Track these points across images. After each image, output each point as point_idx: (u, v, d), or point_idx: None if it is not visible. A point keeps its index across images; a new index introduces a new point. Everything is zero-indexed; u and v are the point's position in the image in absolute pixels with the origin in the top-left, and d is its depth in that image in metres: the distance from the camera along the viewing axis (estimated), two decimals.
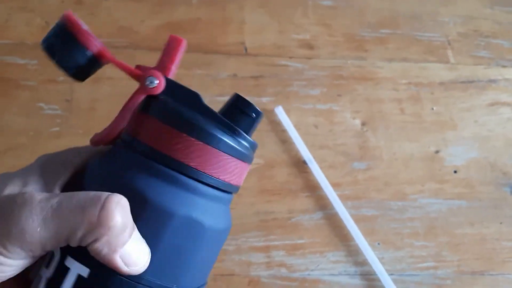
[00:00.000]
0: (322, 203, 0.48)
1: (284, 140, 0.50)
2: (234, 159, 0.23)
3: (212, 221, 0.23)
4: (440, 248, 0.47)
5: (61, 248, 0.22)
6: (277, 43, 0.56)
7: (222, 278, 0.43)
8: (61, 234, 0.20)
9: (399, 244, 0.46)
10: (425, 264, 0.46)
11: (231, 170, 0.23)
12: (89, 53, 0.23)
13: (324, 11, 0.58)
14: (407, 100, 0.54)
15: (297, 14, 0.58)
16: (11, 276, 0.22)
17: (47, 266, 0.22)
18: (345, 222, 0.46)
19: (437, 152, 0.52)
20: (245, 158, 0.24)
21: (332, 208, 0.47)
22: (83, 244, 0.21)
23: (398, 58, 0.56)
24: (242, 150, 0.23)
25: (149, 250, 0.22)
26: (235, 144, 0.23)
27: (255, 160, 0.49)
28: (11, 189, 0.22)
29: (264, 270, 0.44)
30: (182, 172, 0.22)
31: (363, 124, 0.52)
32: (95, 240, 0.20)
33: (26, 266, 0.22)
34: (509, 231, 0.48)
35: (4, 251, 0.20)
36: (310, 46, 0.56)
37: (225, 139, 0.22)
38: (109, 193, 0.21)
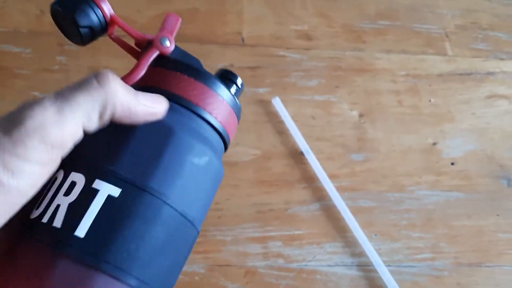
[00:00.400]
0: (319, 195, 0.47)
1: (281, 132, 0.50)
2: (231, 108, 0.28)
3: (215, 157, 0.26)
4: (437, 240, 0.46)
5: (87, 172, 0.23)
6: (275, 33, 0.55)
7: (219, 268, 0.43)
8: (78, 119, 0.21)
9: (396, 236, 0.46)
10: (422, 256, 0.46)
11: (227, 118, 0.28)
12: (102, 16, 0.26)
13: (323, 2, 0.58)
14: (405, 92, 0.54)
15: (295, 5, 0.57)
16: (27, 198, 0.21)
17: (67, 193, 0.22)
18: (342, 213, 0.46)
19: (434, 144, 0.51)
20: (236, 110, 0.29)
21: (329, 199, 0.47)
22: (105, 121, 0.22)
23: (397, 49, 0.56)
24: (235, 102, 0.28)
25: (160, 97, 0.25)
26: (232, 96, 0.28)
27: (252, 151, 0.49)
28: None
29: (260, 261, 0.44)
30: (197, 112, 0.26)
31: (360, 115, 0.52)
32: (114, 111, 0.22)
33: (39, 185, 0.21)
34: (506, 223, 0.48)
35: (23, 150, 0.19)
36: (308, 37, 0.55)
37: (227, 90, 0.27)
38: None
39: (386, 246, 0.46)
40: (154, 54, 0.26)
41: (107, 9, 0.26)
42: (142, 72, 0.26)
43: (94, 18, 0.25)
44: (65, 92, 0.21)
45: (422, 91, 0.54)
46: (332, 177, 0.48)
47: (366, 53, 0.55)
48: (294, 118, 0.50)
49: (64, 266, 0.21)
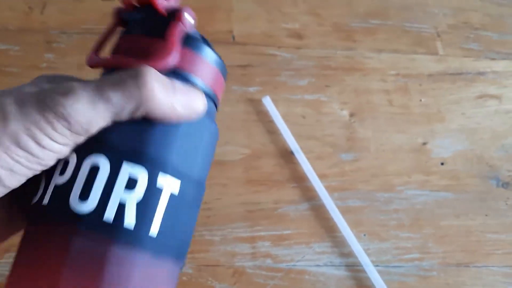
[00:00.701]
0: (309, 194, 0.47)
1: (271, 131, 0.50)
2: (218, 70, 0.27)
3: (216, 128, 0.27)
4: (425, 240, 0.47)
5: (149, 166, 0.23)
6: (266, 32, 0.55)
7: (207, 268, 0.43)
8: (107, 114, 0.21)
9: (384, 236, 0.46)
10: (410, 256, 0.46)
11: (218, 82, 0.27)
12: None
13: (314, 1, 0.57)
14: (395, 91, 0.54)
15: (286, 3, 0.57)
16: (45, 168, 0.22)
17: (129, 188, 0.22)
18: (332, 213, 0.46)
19: (424, 144, 0.52)
20: (223, 70, 0.28)
21: (319, 199, 0.47)
22: (137, 117, 0.22)
23: (387, 49, 0.56)
24: (220, 60, 0.28)
25: (200, 94, 0.24)
26: (217, 56, 0.27)
27: (242, 150, 0.49)
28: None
29: (249, 261, 0.44)
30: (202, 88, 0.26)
31: (351, 115, 0.52)
32: (148, 112, 0.22)
33: (59, 158, 0.22)
34: (494, 223, 0.48)
35: (50, 132, 0.21)
36: (299, 36, 0.55)
37: (214, 52, 0.27)
38: (138, 68, 0.22)
39: (374, 246, 0.46)
40: (182, 33, 0.25)
41: None
42: (177, 57, 0.24)
43: None
44: (100, 86, 0.22)
45: (413, 91, 0.54)
46: (321, 176, 0.48)
47: (356, 52, 0.55)
48: (284, 117, 0.50)
49: (141, 263, 0.22)
